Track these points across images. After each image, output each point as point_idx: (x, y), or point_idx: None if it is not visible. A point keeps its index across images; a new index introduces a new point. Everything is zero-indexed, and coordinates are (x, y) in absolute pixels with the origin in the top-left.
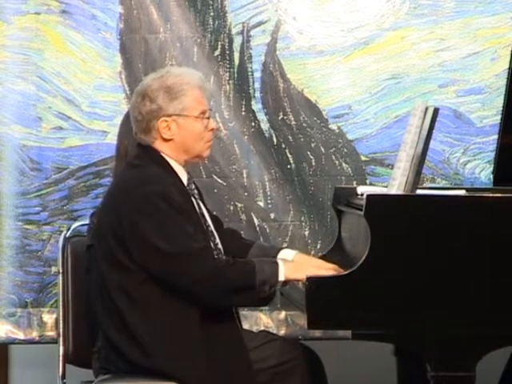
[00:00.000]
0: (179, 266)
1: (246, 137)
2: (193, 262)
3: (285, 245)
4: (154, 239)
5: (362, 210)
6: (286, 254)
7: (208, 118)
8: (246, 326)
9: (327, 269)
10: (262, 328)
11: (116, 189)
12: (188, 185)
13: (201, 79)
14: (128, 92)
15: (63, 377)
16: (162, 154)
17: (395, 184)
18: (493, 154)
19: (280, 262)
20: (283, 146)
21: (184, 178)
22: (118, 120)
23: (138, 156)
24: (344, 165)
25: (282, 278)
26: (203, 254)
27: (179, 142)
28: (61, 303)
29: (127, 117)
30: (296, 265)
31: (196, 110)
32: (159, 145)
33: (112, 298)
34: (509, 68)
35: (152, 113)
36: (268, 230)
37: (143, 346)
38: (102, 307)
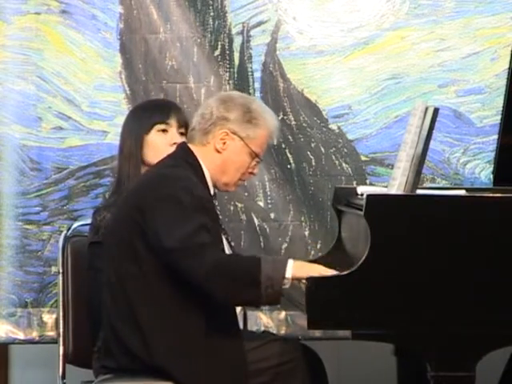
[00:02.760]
0: (181, 260)
1: None
2: (194, 256)
3: (285, 245)
4: (164, 233)
5: (362, 210)
6: None
7: (257, 162)
8: None
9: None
10: (263, 328)
11: (145, 183)
12: (214, 198)
13: (277, 129)
14: (128, 92)
15: (63, 377)
16: (200, 161)
17: (395, 184)
18: (493, 154)
19: (290, 260)
20: (283, 146)
21: (212, 190)
22: (118, 120)
23: (175, 155)
24: (344, 165)
25: (289, 274)
26: (206, 247)
27: (223, 160)
28: (61, 303)
29: (130, 116)
30: (304, 264)
31: (256, 147)
32: (205, 151)
33: (124, 288)
34: (509, 68)
35: (221, 120)
36: (268, 230)
37: (146, 339)
38: (111, 298)
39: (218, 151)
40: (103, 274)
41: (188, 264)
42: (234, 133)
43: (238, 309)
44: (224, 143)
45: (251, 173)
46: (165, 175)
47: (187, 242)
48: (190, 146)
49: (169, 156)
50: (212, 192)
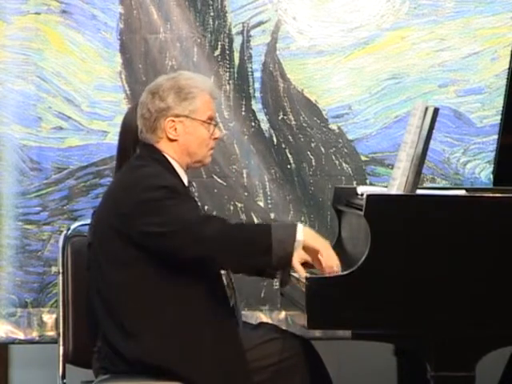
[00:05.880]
0: (185, 238)
1: (245, 137)
2: (199, 229)
3: None
4: (154, 228)
5: (361, 210)
6: None
7: (214, 126)
8: None
9: (333, 260)
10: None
11: (117, 187)
12: (188, 187)
13: (212, 86)
14: (128, 92)
15: (63, 377)
16: (165, 155)
17: (395, 184)
18: (493, 154)
19: (299, 224)
20: (283, 145)
21: (185, 179)
22: (118, 120)
23: (140, 155)
24: (344, 165)
25: (300, 237)
26: (208, 218)
27: (183, 144)
28: (61, 303)
29: (128, 116)
30: (313, 232)
31: (204, 115)
32: (163, 145)
33: (112, 297)
34: (509, 68)
35: (160, 111)
36: None
37: (142, 344)
38: (102, 306)
39: (174, 140)
40: (93, 277)
41: (196, 237)
42: (178, 116)
43: None
44: (175, 130)
45: (215, 138)
46: (137, 177)
47: (190, 220)
48: None
49: (135, 157)
50: (186, 182)
